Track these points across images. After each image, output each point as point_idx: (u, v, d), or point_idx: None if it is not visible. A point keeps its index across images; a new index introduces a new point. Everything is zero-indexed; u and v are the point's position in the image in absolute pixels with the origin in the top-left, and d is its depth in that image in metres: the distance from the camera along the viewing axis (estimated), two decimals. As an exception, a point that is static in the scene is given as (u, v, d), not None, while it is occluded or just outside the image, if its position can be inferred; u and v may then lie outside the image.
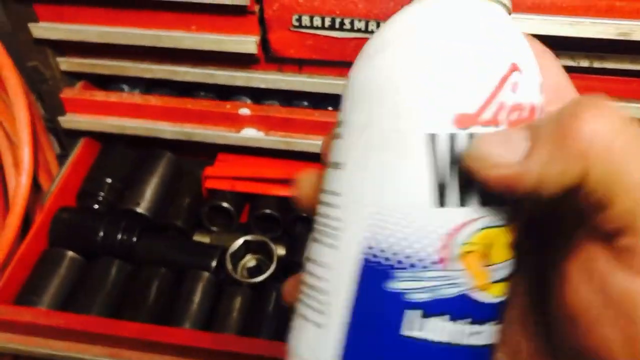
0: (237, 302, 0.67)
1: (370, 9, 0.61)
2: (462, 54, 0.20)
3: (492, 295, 0.21)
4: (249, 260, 0.74)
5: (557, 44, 0.63)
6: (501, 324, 0.23)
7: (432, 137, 0.20)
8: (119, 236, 0.71)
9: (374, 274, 0.21)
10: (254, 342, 0.61)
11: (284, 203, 0.75)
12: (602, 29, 0.55)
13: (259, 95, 0.77)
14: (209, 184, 0.75)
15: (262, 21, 0.64)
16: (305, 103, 0.76)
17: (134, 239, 0.72)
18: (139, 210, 0.73)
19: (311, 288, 0.23)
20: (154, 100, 0.73)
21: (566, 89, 0.25)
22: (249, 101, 0.76)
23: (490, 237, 0.20)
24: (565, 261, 0.21)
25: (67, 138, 0.81)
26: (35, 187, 0.82)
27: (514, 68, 0.20)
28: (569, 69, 0.64)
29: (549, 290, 0.22)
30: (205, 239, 0.75)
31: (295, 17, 0.62)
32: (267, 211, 0.74)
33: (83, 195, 0.76)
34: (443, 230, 0.20)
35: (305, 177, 0.27)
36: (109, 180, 0.76)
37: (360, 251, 0.21)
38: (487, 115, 0.20)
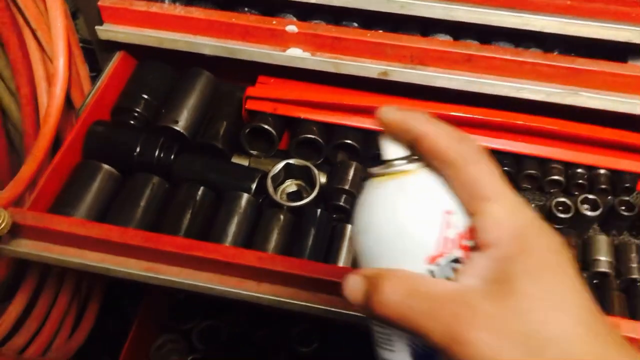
0: (278, 223, 0.65)
1: None
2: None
3: None
4: (289, 186, 0.71)
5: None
6: None
7: None
8: (157, 153, 0.68)
9: None
10: (300, 263, 0.59)
11: (327, 129, 0.72)
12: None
13: (305, 15, 0.73)
14: (250, 105, 0.72)
15: None
16: (355, 24, 0.72)
17: (172, 157, 0.69)
18: (177, 128, 0.70)
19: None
20: (196, 12, 0.70)
21: None
22: (294, 19, 0.72)
23: None
24: None
25: (102, 53, 0.77)
26: (67, 104, 0.79)
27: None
28: None
29: None
30: (244, 163, 0.72)
31: None
32: (310, 136, 0.70)
33: (118, 111, 0.73)
34: None
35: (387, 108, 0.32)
36: (145, 97, 0.73)
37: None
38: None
